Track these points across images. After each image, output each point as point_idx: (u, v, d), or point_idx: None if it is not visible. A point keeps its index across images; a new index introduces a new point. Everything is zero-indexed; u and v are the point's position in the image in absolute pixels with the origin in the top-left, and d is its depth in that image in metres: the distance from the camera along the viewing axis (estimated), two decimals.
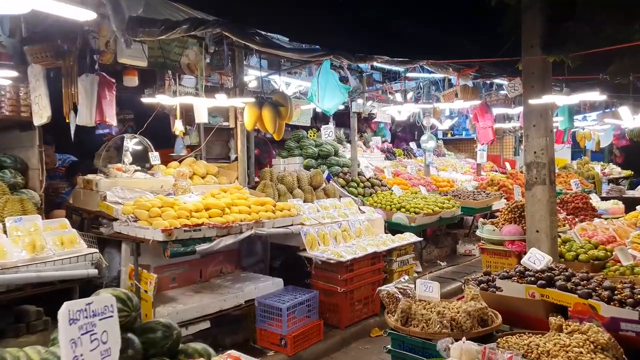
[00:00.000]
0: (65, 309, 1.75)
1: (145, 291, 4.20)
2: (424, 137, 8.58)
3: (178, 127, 5.10)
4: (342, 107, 6.24)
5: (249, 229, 4.48)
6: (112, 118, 4.34)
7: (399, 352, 2.80)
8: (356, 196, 6.81)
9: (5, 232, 3.56)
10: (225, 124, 6.57)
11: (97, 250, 3.67)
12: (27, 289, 3.31)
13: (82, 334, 1.79)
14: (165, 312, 3.98)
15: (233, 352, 2.24)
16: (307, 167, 7.21)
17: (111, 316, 1.93)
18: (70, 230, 3.75)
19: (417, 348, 2.70)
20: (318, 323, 4.65)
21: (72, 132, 4.29)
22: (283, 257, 5.75)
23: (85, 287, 3.58)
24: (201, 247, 4.00)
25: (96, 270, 3.58)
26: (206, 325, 4.28)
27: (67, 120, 4.22)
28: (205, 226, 4.10)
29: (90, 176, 4.62)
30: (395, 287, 3.10)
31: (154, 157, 4.89)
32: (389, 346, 2.87)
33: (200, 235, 4.05)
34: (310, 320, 4.60)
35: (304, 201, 5.97)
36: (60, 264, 3.40)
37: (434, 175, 8.77)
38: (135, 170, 4.92)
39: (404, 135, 11.84)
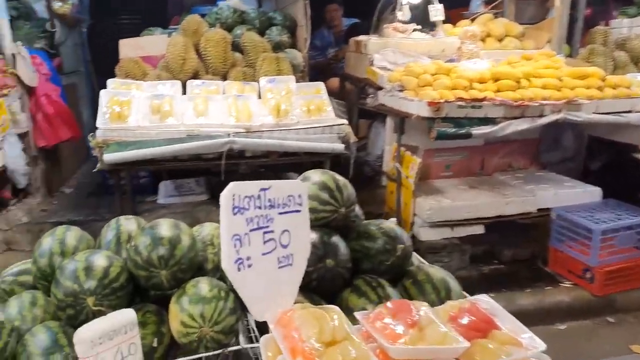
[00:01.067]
0: (229, 192, 1.26)
1: (406, 177, 3.67)
2: None
3: None
4: None
5: (554, 112, 3.23)
6: None
7: None
8: None
9: (259, 93, 3.52)
10: None
11: (345, 122, 3.25)
12: (272, 156, 3.21)
13: (252, 230, 1.29)
14: (427, 205, 3.37)
15: (481, 299, 1.42)
16: None
17: (298, 210, 1.37)
18: (322, 96, 3.42)
19: None
20: None
21: None
22: (607, 158, 4.22)
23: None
24: (479, 131, 3.08)
25: (342, 145, 3.19)
26: (479, 230, 3.51)
27: None
28: (489, 102, 3.10)
29: (360, 37, 4.14)
30: None
31: (436, 11, 3.98)
32: None
33: (480, 114, 3.11)
34: (638, 254, 3.22)
35: None
36: (304, 133, 3.14)
37: None
38: (414, 30, 4.16)
39: None
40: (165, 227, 1.51)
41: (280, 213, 1.35)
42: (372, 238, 1.65)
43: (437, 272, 1.66)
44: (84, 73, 6.67)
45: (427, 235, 3.64)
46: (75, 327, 1.25)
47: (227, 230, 1.26)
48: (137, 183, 4.73)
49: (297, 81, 3.89)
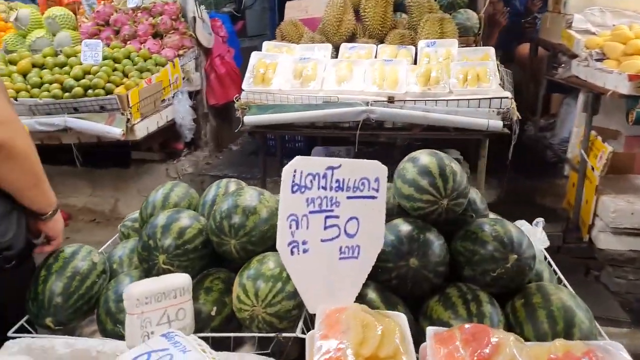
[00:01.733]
0: (290, 167, 1.16)
1: (592, 168, 3.06)
2: None
3: None
4: None
5: None
6: None
7: None
8: None
9: (415, 58, 3.24)
10: None
11: (509, 95, 2.79)
12: (415, 130, 2.94)
13: (312, 212, 1.17)
14: (613, 206, 2.77)
15: (612, 346, 1.06)
16: None
17: (372, 197, 1.20)
18: (487, 64, 2.99)
19: None
20: None
21: None
22: None
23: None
24: None
25: (500, 123, 2.75)
26: None
27: None
28: None
29: None
30: None
31: None
32: None
33: None
34: None
35: None
36: (454, 105, 2.79)
37: None
38: None
39: None
40: (247, 195, 1.48)
41: (350, 197, 1.19)
42: (479, 241, 1.37)
43: (563, 297, 1.31)
44: (269, 37, 7.17)
45: (608, 243, 3.05)
46: None
47: (283, 209, 1.16)
48: (291, 147, 4.96)
49: (469, 45, 3.52)
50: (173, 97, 3.92)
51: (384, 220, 1.22)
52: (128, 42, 4.03)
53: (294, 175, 1.16)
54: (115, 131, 3.16)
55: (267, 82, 3.01)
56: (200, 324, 1.34)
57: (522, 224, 1.99)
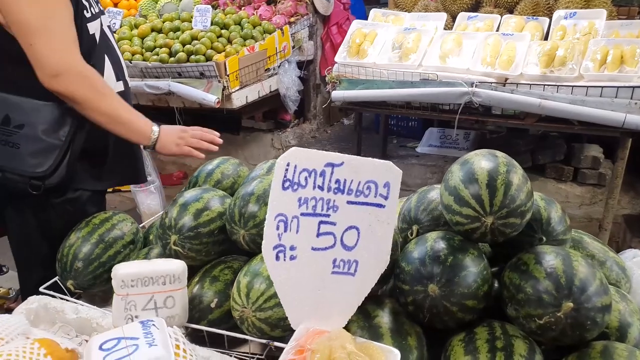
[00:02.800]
0: (283, 160, 1.03)
1: None
2: None
3: None
4: None
5: None
6: None
7: None
8: None
9: (546, 32, 2.76)
10: None
11: None
12: (529, 120, 2.52)
13: (303, 215, 1.04)
14: None
15: None
16: None
17: (380, 205, 1.03)
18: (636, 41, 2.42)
19: None
20: None
21: None
22: None
23: None
24: None
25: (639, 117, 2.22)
26: None
27: None
28: None
29: None
30: None
31: None
32: None
33: None
34: None
35: None
36: (581, 94, 2.31)
37: None
38: None
39: None
40: (266, 181, 1.38)
41: (351, 202, 1.03)
42: (528, 275, 1.10)
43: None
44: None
45: None
46: None
47: (272, 207, 1.04)
48: (405, 125, 4.73)
49: (630, 17, 2.95)
50: (279, 66, 3.94)
51: (391, 234, 1.03)
52: (243, 8, 4.13)
53: (287, 169, 1.03)
54: (210, 98, 3.28)
55: (362, 55, 2.85)
56: (199, 314, 1.30)
57: (634, 255, 1.62)
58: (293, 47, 4.07)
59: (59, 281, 1.48)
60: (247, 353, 1.27)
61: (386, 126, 4.01)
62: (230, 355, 1.26)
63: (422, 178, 3.86)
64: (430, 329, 1.19)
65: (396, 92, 2.65)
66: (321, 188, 1.03)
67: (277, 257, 1.05)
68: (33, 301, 1.37)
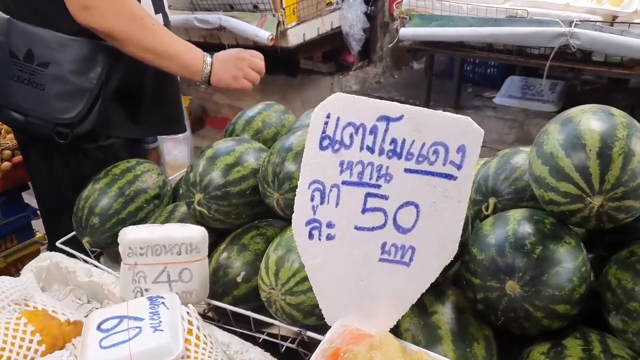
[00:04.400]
0: (322, 109, 0.82)
1: None
2: None
3: None
4: None
5: None
6: None
7: None
8: None
9: None
10: None
11: None
12: (638, 69, 2.10)
13: (346, 183, 0.83)
14: None
15: None
16: None
17: (450, 176, 0.81)
18: None
19: None
20: None
21: None
22: None
23: None
24: None
25: None
26: None
27: None
28: None
29: None
30: None
31: None
32: None
33: None
34: None
35: None
36: None
37: None
38: None
39: None
40: None
41: (410, 170, 0.79)
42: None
43: None
44: None
45: None
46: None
47: (305, 171, 0.83)
48: (482, 72, 4.31)
49: None
50: (343, 0, 3.61)
51: (463, 216, 0.79)
52: None
53: (326, 123, 0.81)
54: (262, 35, 3.04)
55: None
56: (223, 288, 1.14)
57: None
58: None
59: (76, 235, 1.37)
60: (277, 336, 1.11)
61: (461, 72, 3.62)
62: (257, 340, 1.11)
63: (498, 133, 3.50)
64: (504, 332, 0.96)
65: (476, 31, 2.29)
66: (371, 150, 0.80)
67: (311, 235, 0.85)
68: (45, 258, 1.27)
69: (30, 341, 0.87)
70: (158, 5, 1.55)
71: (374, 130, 0.79)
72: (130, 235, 1.01)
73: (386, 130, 0.79)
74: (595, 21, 2.11)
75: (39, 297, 1.04)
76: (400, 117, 0.78)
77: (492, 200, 1.12)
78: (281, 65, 4.45)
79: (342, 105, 0.80)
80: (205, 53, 1.49)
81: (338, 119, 0.80)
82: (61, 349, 0.93)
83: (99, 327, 0.91)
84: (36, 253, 2.13)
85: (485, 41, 2.34)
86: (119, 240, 1.03)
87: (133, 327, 0.91)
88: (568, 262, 0.87)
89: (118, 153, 1.55)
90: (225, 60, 1.50)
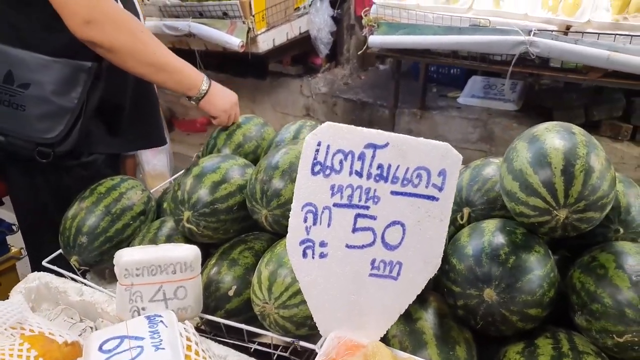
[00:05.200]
0: (313, 138, 0.87)
1: None
2: None
3: None
4: None
5: None
6: None
7: None
8: None
9: None
10: None
11: None
12: (592, 75, 2.25)
13: (337, 205, 0.88)
14: None
15: None
16: None
17: (433, 197, 0.88)
18: None
19: None
20: None
21: None
22: None
23: None
24: None
25: None
26: None
27: None
28: None
29: None
30: None
31: None
32: None
33: None
34: None
35: None
36: None
37: None
38: None
39: None
40: (292, 152, 1.22)
41: (396, 193, 0.85)
42: (606, 281, 0.93)
43: None
44: None
45: None
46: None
47: (299, 194, 0.88)
48: (446, 72, 4.42)
49: None
50: (310, 5, 3.66)
51: (445, 234, 0.86)
52: None
53: (317, 150, 0.86)
54: (233, 41, 3.06)
55: None
56: (216, 302, 1.18)
57: None
58: None
59: (63, 253, 1.38)
60: (269, 345, 1.16)
61: (426, 73, 3.73)
62: (250, 350, 1.15)
63: (463, 133, 3.63)
64: (482, 334, 1.04)
65: (441, 39, 2.39)
66: (359, 174, 0.86)
67: (305, 254, 0.90)
68: (33, 279, 1.28)
69: None
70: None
71: (362, 157, 0.85)
72: (126, 257, 1.04)
73: (373, 157, 0.85)
74: (552, 30, 2.23)
75: (33, 319, 1.05)
76: (386, 145, 0.84)
77: (466, 210, 1.19)
78: (250, 69, 4.47)
79: (332, 134, 0.85)
80: (204, 75, 1.53)
81: (328, 146, 0.85)
82: None
83: (100, 349, 0.93)
84: (12, 268, 2.10)
85: (451, 49, 2.43)
86: (114, 262, 1.05)
87: (134, 347, 0.93)
88: (538, 270, 0.96)
89: (100, 169, 1.56)
90: (223, 94, 1.55)
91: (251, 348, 1.16)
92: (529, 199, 0.96)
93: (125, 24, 1.34)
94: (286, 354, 1.12)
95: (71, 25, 1.28)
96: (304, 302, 1.02)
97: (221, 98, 1.53)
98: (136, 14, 1.59)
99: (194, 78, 1.48)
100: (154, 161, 2.27)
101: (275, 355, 1.15)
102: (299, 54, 4.31)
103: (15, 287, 1.25)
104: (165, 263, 1.05)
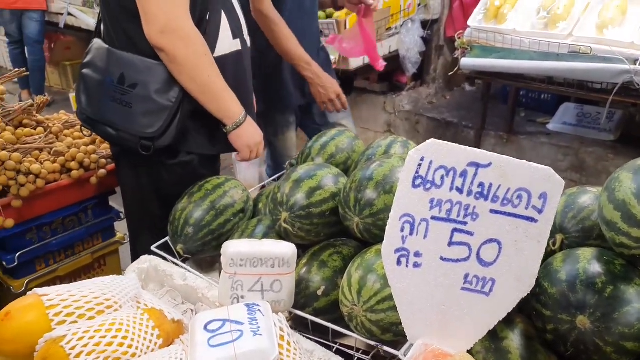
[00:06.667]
0: (417, 153, 0.91)
1: None
2: None
3: None
4: None
5: None
6: None
7: None
8: None
9: None
10: None
11: None
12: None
13: (435, 218, 0.92)
14: None
15: None
16: None
17: (531, 219, 0.89)
18: None
19: None
20: None
21: None
22: None
23: None
24: None
25: None
26: None
27: None
28: None
29: None
30: None
31: None
32: None
33: None
34: None
35: None
36: None
37: None
38: None
39: None
40: (392, 167, 1.26)
41: (495, 212, 0.87)
42: None
43: None
44: None
45: None
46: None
47: (398, 205, 0.92)
48: (535, 97, 4.29)
49: None
50: (402, 25, 3.70)
51: (541, 255, 0.87)
52: None
53: (420, 165, 0.89)
54: None
55: (500, 19, 2.54)
56: (305, 300, 1.24)
57: None
58: (419, 5, 3.80)
59: (169, 242, 1.50)
60: (352, 347, 1.20)
61: (515, 97, 3.64)
62: (334, 346, 1.20)
63: (552, 160, 3.49)
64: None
65: (537, 65, 2.34)
66: (460, 191, 0.88)
67: (399, 262, 0.94)
68: (145, 261, 1.40)
69: (152, 335, 0.98)
70: (236, 31, 1.65)
71: (463, 174, 0.88)
72: (232, 249, 1.13)
73: (475, 175, 0.87)
74: None
75: (146, 295, 1.17)
76: (489, 164, 0.86)
77: (559, 237, 1.18)
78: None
79: (435, 150, 0.88)
80: (244, 111, 1.60)
81: (431, 162, 0.89)
82: (170, 344, 1.05)
83: (205, 328, 1.02)
84: (115, 251, 2.29)
85: (546, 74, 2.37)
86: (222, 252, 1.14)
87: (235, 330, 1.01)
88: (638, 303, 0.93)
89: (196, 169, 1.67)
90: (252, 132, 1.63)
91: (333, 348, 1.20)
92: (632, 230, 0.94)
93: (194, 42, 1.45)
94: (368, 358, 1.16)
95: (147, 30, 1.41)
96: (391, 308, 1.06)
97: (249, 135, 1.62)
98: (240, 29, 1.68)
99: (234, 110, 1.57)
100: (246, 172, 2.38)
101: (356, 358, 1.18)
102: (385, 72, 4.36)
103: (130, 267, 1.38)
104: (266, 257, 1.13)
